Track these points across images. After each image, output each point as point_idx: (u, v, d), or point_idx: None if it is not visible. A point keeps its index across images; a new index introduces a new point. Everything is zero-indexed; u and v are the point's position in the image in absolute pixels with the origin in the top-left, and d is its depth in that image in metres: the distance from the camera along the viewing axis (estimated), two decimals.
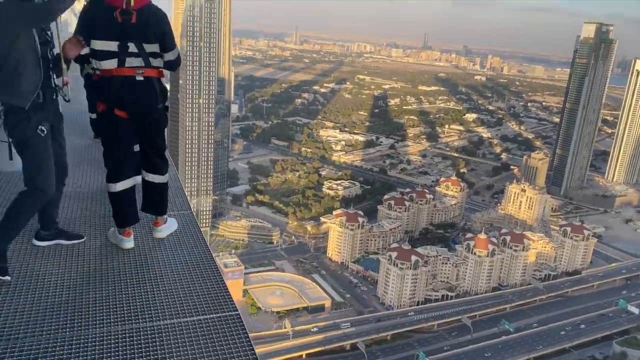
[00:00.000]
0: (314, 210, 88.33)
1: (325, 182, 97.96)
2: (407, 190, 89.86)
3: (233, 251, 73.46)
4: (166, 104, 3.16)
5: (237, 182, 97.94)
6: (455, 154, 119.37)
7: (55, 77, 2.79)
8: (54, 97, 2.87)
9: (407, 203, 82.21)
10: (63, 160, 3.12)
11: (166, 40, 3.04)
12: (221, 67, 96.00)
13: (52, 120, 2.88)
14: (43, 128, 2.76)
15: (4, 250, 2.66)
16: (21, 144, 2.67)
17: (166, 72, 3.14)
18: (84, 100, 5.78)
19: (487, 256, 67.61)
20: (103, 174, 4.51)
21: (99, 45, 2.92)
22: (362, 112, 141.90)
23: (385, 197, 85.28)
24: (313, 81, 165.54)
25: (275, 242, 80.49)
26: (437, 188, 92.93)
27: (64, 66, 2.78)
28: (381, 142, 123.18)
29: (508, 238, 71.16)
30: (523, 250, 69.74)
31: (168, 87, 3.24)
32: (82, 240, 3.09)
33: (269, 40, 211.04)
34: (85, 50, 2.94)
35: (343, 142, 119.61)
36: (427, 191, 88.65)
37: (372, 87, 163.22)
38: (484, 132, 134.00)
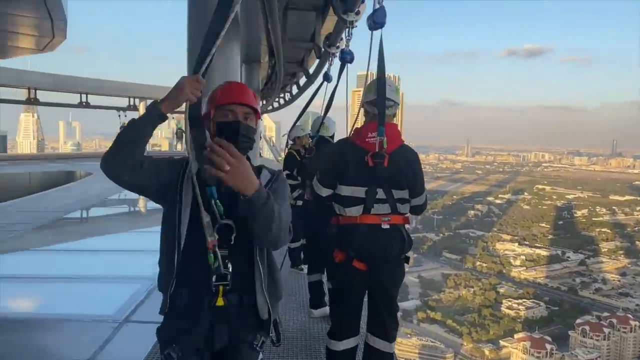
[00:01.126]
0: (492, 332, 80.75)
1: (504, 301, 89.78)
2: (605, 314, 77.90)
3: None
4: (407, 254, 2.77)
5: (407, 296, 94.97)
6: None
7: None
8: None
9: (606, 330, 70.88)
10: None
11: (417, 186, 2.70)
12: None
13: (201, 344, 1.70)
14: (171, 353, 1.67)
15: None
16: None
17: (411, 217, 2.78)
18: None
19: None
20: (301, 312, 4.32)
21: (345, 191, 2.66)
22: (543, 224, 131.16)
23: (578, 321, 74.83)
24: (487, 192, 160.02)
25: None
26: None
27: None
28: (568, 257, 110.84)
29: None
30: None
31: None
32: None
33: (439, 154, 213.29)
34: (326, 192, 2.73)
35: (523, 257, 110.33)
36: (631, 316, 75.74)
37: (554, 197, 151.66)
38: None
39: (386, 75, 2.68)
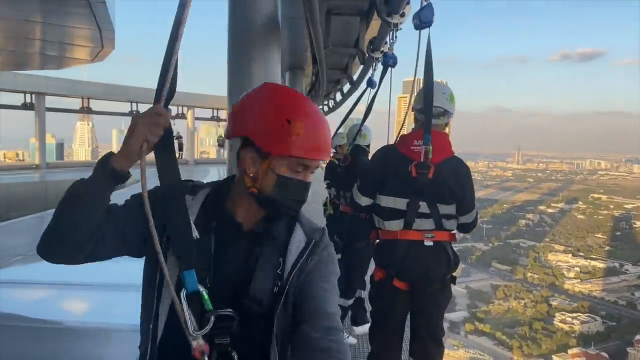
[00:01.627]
0: (544, 346, 78.02)
1: (556, 314, 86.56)
2: None
3: None
4: (454, 274, 2.56)
5: (454, 307, 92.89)
6: None
7: None
8: None
9: None
10: None
11: (465, 202, 2.51)
12: None
13: None
14: None
15: None
16: None
17: (458, 234, 2.58)
18: None
19: None
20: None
21: (385, 201, 2.50)
22: (599, 235, 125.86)
23: (637, 337, 71.29)
24: (538, 201, 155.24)
25: None
26: None
27: None
28: (626, 270, 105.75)
29: None
30: None
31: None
32: None
33: (489, 161, 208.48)
34: (366, 201, 2.55)
35: (577, 269, 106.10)
36: None
37: (611, 206, 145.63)
38: None
39: (441, 81, 2.52)
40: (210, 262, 1.17)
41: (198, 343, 1.09)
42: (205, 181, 1.30)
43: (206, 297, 1.12)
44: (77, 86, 20.27)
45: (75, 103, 21.10)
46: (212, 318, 1.11)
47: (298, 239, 1.23)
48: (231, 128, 1.19)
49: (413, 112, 2.62)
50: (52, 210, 1.06)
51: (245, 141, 1.16)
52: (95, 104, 21.70)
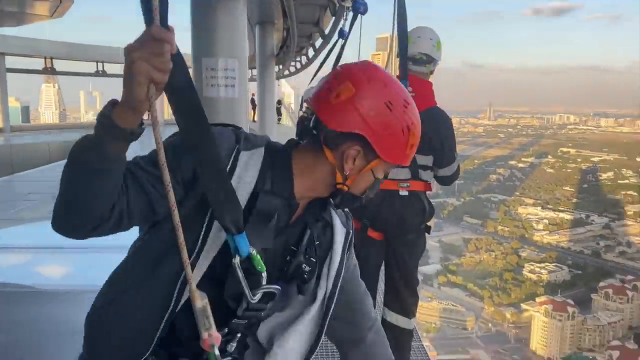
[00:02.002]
0: (514, 296, 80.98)
1: (525, 265, 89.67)
2: (629, 277, 77.17)
3: (424, 334, 70.27)
4: (429, 223, 2.55)
5: (428, 260, 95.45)
6: None
7: None
8: None
9: (629, 293, 70.25)
10: None
11: (445, 155, 2.44)
12: None
13: None
14: None
15: None
16: None
17: (435, 185, 2.52)
18: None
19: None
20: None
21: None
22: (567, 188, 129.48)
23: (601, 284, 74.40)
24: (509, 156, 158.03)
25: (469, 329, 75.06)
26: None
27: None
28: (592, 220, 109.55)
29: None
30: None
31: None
32: None
33: (460, 117, 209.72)
34: None
35: (546, 221, 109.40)
36: None
37: (579, 160, 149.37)
38: None
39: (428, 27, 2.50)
40: (272, 244, 1.00)
41: (209, 333, 0.90)
42: None
43: (259, 258, 0.94)
44: (39, 45, 19.33)
45: (38, 63, 20.24)
46: (260, 292, 0.97)
47: (340, 230, 1.14)
48: (338, 120, 0.97)
49: (398, 59, 2.55)
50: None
51: (352, 134, 0.97)
52: (59, 65, 20.86)
